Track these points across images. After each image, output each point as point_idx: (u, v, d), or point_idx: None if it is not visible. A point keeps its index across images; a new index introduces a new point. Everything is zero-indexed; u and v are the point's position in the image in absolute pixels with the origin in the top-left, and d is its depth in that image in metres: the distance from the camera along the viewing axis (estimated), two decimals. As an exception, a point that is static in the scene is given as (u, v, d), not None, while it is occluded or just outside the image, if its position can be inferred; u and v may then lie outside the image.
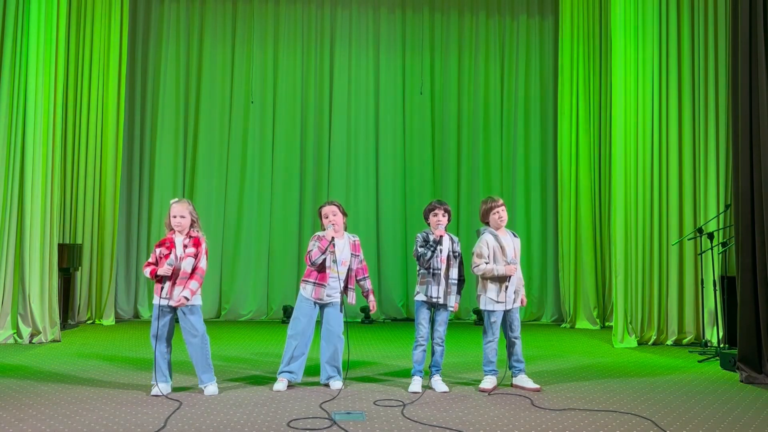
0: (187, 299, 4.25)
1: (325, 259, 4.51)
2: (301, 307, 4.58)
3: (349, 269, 4.65)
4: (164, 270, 4.24)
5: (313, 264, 4.51)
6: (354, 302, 4.72)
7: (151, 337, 4.31)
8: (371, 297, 4.75)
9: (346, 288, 4.65)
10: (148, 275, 4.33)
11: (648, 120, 7.07)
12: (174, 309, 4.33)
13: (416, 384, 4.50)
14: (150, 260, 4.39)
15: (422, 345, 4.58)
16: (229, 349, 6.26)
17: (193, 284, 4.29)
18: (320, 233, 4.60)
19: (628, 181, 7.01)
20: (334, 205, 4.67)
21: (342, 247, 4.62)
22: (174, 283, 4.28)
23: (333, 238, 4.52)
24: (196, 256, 4.32)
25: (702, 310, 6.76)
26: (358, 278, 4.74)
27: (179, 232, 4.37)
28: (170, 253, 4.30)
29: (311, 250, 4.52)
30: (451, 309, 4.62)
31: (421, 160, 9.26)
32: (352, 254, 4.66)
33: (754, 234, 5.09)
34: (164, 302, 4.27)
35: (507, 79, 9.41)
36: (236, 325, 8.26)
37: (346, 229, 4.76)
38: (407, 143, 9.27)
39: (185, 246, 4.33)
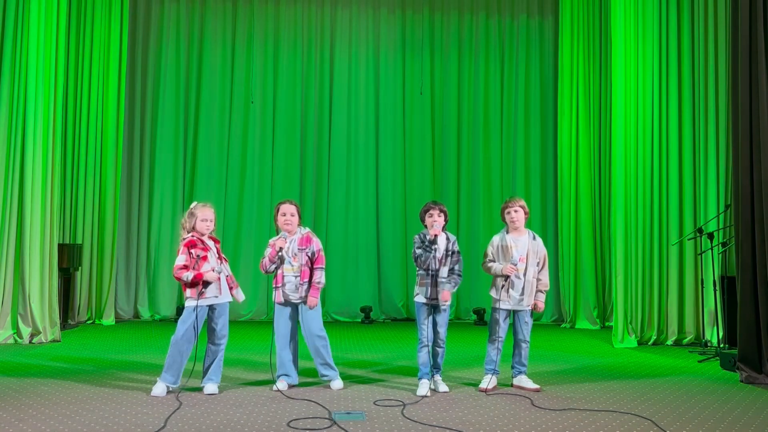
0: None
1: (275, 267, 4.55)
2: (276, 312, 4.61)
3: (301, 264, 4.54)
4: (212, 276, 4.32)
5: (267, 272, 4.58)
6: (310, 298, 4.52)
7: (186, 341, 4.28)
8: (312, 292, 4.51)
9: (300, 283, 4.53)
10: (189, 279, 4.26)
11: (648, 120, 7.07)
12: (207, 310, 4.39)
13: (424, 387, 4.43)
14: (184, 263, 4.31)
15: (426, 346, 4.51)
16: (230, 349, 6.22)
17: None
18: (273, 239, 4.60)
19: (628, 181, 7.01)
20: (294, 205, 4.64)
21: (288, 246, 4.56)
22: (230, 286, 4.48)
23: (281, 249, 4.50)
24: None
25: (702, 310, 6.76)
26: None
27: (203, 235, 4.43)
28: (207, 255, 4.36)
29: (264, 258, 4.57)
30: (443, 306, 4.49)
31: (421, 160, 9.26)
32: (299, 249, 4.55)
33: (754, 234, 5.09)
34: (214, 301, 4.37)
35: (507, 79, 9.41)
36: (236, 325, 8.24)
37: (299, 225, 4.66)
38: (407, 143, 9.27)
39: (218, 250, 4.50)
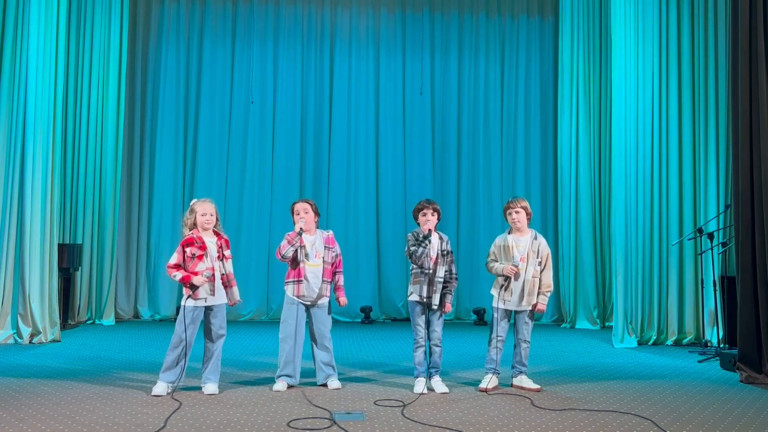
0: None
1: (296, 253, 4.53)
2: (288, 310, 4.58)
3: (324, 262, 4.63)
4: (200, 281, 4.28)
5: (283, 257, 4.54)
6: (343, 297, 4.73)
7: (178, 342, 4.28)
8: (340, 293, 4.73)
9: (322, 281, 4.62)
10: (178, 280, 4.31)
11: (648, 120, 7.07)
12: (204, 310, 4.38)
13: (420, 385, 4.46)
14: (176, 261, 4.34)
15: (422, 346, 4.55)
16: (229, 349, 6.25)
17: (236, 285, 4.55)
18: (291, 232, 4.64)
19: (628, 181, 7.01)
20: (307, 202, 4.70)
21: (313, 241, 4.63)
22: (225, 285, 4.41)
23: (301, 230, 4.54)
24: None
25: (702, 310, 6.76)
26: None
27: (205, 230, 4.42)
28: (204, 254, 4.32)
29: (280, 245, 4.56)
30: (437, 307, 4.54)
31: (421, 160, 9.27)
32: (325, 247, 4.66)
33: (754, 234, 5.09)
34: (208, 303, 4.34)
35: (507, 79, 9.42)
36: (236, 325, 8.25)
37: (318, 227, 4.77)
38: (407, 143, 9.28)
39: (220, 247, 4.42)
